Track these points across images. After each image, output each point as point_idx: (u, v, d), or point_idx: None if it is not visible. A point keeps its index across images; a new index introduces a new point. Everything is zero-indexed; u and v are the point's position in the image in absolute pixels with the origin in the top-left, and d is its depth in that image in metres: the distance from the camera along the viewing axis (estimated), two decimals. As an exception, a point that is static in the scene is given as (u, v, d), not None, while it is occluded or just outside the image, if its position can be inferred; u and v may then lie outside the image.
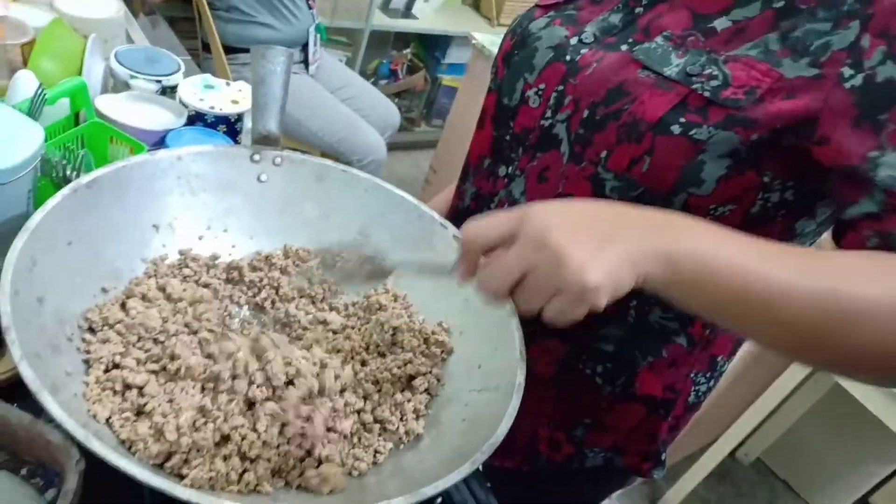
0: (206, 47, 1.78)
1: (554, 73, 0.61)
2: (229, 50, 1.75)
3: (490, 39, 1.94)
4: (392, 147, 2.23)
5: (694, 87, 0.53)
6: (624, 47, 0.58)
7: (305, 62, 1.87)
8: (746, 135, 0.52)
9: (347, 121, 1.84)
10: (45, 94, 0.62)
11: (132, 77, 0.78)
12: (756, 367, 1.62)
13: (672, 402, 0.70)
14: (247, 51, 1.76)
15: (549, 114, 0.61)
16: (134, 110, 0.74)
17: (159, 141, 0.73)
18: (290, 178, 0.63)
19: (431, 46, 2.78)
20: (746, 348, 1.15)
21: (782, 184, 0.54)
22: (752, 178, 0.54)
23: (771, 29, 0.53)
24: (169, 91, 0.81)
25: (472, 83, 2.02)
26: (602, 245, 0.43)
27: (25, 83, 0.66)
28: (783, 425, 2.06)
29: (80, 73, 0.74)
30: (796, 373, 1.55)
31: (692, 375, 0.70)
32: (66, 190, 0.50)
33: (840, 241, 0.52)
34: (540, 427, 0.71)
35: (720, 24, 0.55)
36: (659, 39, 0.57)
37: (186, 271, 0.57)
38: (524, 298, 0.44)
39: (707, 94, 0.52)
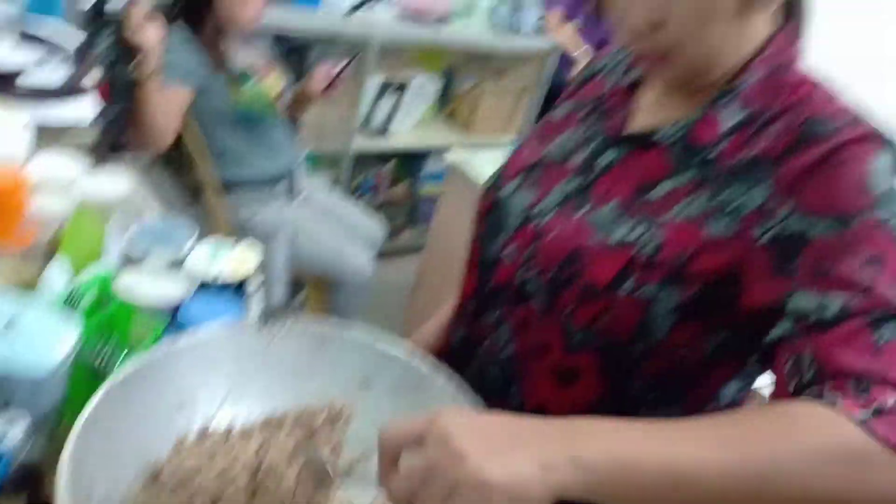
0: (199, 189, 1.89)
1: (525, 236, 0.71)
2: (222, 188, 1.86)
3: (462, 158, 2.08)
4: (379, 255, 2.32)
5: (635, 250, 0.62)
6: (580, 213, 0.68)
7: (294, 192, 1.98)
8: (685, 291, 0.61)
9: (335, 245, 1.93)
10: (80, 290, 0.70)
11: (148, 254, 0.87)
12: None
13: None
14: (238, 189, 1.88)
15: (521, 272, 0.70)
16: (150, 285, 0.82)
17: (174, 311, 0.81)
18: (296, 345, 0.71)
19: (411, 159, 2.94)
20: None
21: (725, 329, 0.63)
22: (698, 328, 0.63)
23: (697, 194, 0.63)
24: (180, 261, 0.89)
25: (449, 196, 2.15)
26: (505, 450, 0.44)
27: (57, 275, 0.75)
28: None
29: (100, 255, 0.83)
30: None
31: None
32: (101, 393, 0.56)
33: (771, 367, 0.59)
34: None
35: (658, 191, 0.65)
36: (608, 207, 0.66)
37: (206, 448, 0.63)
38: (426, 499, 0.44)
39: (647, 255, 0.62)
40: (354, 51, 2.11)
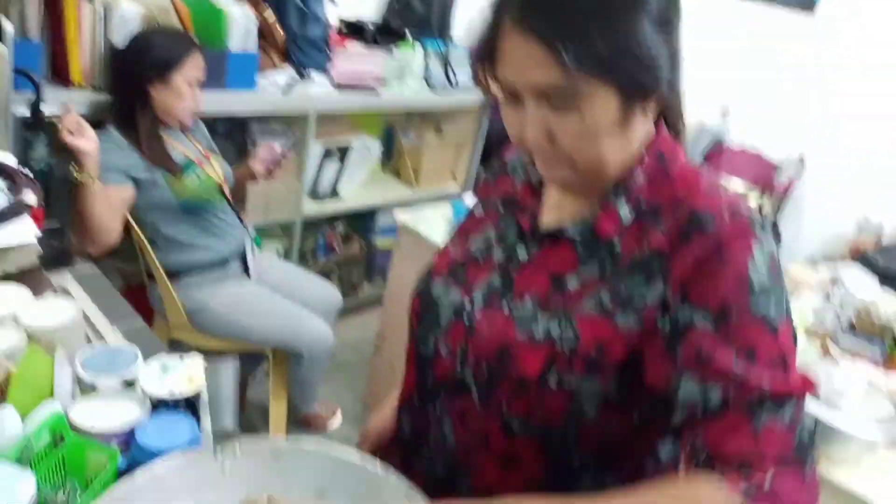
0: (151, 276, 1.91)
1: (457, 332, 0.76)
2: (173, 274, 1.88)
3: (411, 217, 2.14)
4: (341, 313, 2.34)
5: (556, 346, 0.68)
6: (505, 309, 0.73)
7: (246, 271, 2.01)
8: (605, 380, 0.67)
9: (292, 317, 1.96)
10: (31, 440, 0.72)
11: (96, 380, 0.89)
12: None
13: None
14: (190, 273, 1.89)
15: (458, 366, 0.75)
16: (103, 412, 0.84)
17: (129, 437, 0.83)
18: (251, 464, 0.74)
19: (362, 215, 2.99)
20: None
21: (645, 404, 0.68)
22: (621, 408, 0.68)
23: (603, 287, 0.69)
24: (131, 383, 0.91)
25: (402, 251, 2.19)
26: None
27: (7, 422, 0.76)
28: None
29: (51, 392, 0.85)
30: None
31: None
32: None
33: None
34: None
35: (571, 284, 0.71)
36: (528, 302, 0.72)
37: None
38: None
39: (567, 349, 0.67)
40: (292, 124, 2.16)
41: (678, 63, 0.66)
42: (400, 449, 0.84)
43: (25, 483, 0.66)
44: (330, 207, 2.75)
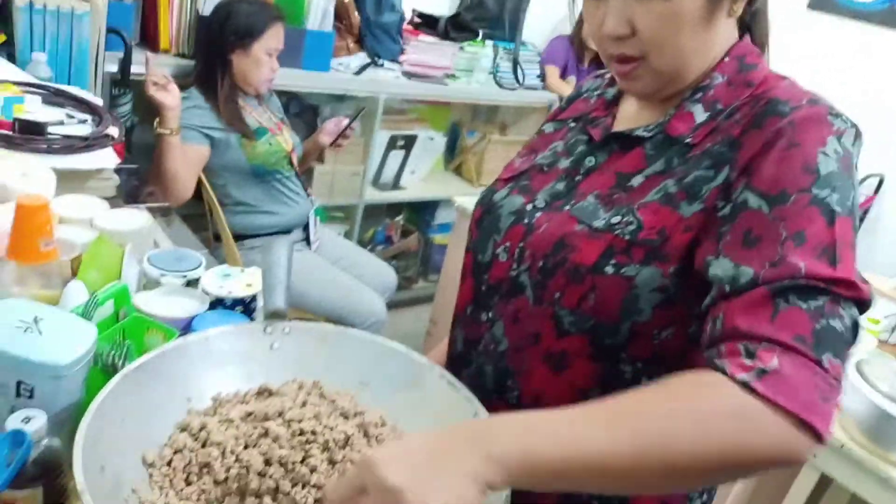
0: (217, 237, 1.98)
1: (516, 234, 0.75)
2: (239, 237, 1.94)
3: (470, 201, 2.14)
4: (394, 305, 2.37)
5: (616, 233, 0.66)
6: (567, 207, 0.72)
7: (307, 240, 2.05)
8: (665, 268, 0.64)
9: (348, 288, 1.99)
10: (97, 300, 0.75)
11: (162, 275, 0.93)
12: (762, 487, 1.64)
13: None
14: (254, 237, 1.95)
15: (514, 266, 0.74)
16: (165, 302, 0.88)
17: (187, 325, 0.86)
18: (299, 344, 0.75)
19: (421, 210, 3.02)
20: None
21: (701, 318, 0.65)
22: (678, 312, 0.66)
23: (668, 179, 0.67)
24: (193, 283, 0.95)
25: (459, 239, 2.19)
26: (437, 472, 0.48)
27: (76, 292, 0.80)
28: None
29: (119, 277, 0.89)
30: (802, 489, 1.57)
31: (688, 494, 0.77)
32: (118, 377, 0.61)
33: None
34: None
35: (636, 181, 0.70)
36: (590, 198, 0.71)
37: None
38: None
39: (627, 237, 0.66)
40: (361, 107, 2.22)
41: None
42: (452, 365, 0.84)
43: (88, 332, 0.69)
44: (392, 196, 2.80)
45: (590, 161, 0.75)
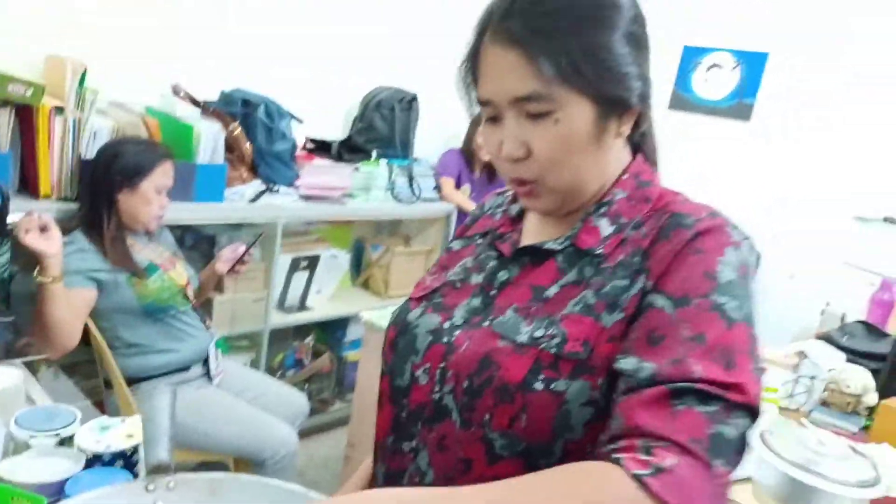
0: (108, 384, 1.85)
1: (435, 354, 0.74)
2: (133, 381, 1.83)
3: (379, 314, 2.14)
4: (310, 431, 2.26)
5: (542, 347, 0.66)
6: (486, 324, 0.72)
7: (209, 375, 1.96)
8: (593, 380, 0.64)
9: (255, 422, 1.89)
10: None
11: (31, 437, 0.85)
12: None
13: None
14: (150, 378, 1.85)
15: (437, 388, 0.72)
16: (34, 466, 0.80)
17: (60, 489, 0.78)
18: (185, 499, 0.70)
19: (331, 329, 2.97)
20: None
21: None
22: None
23: (585, 290, 0.69)
24: (68, 441, 0.87)
25: (370, 354, 2.17)
26: None
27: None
28: None
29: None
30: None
31: None
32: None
33: None
34: None
35: (551, 291, 0.71)
36: (509, 312, 0.71)
37: None
38: None
39: (553, 350, 0.66)
40: (259, 232, 2.21)
41: (649, 87, 0.71)
42: None
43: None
44: (299, 318, 2.74)
45: (503, 275, 0.76)
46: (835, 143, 3.13)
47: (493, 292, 0.76)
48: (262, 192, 2.42)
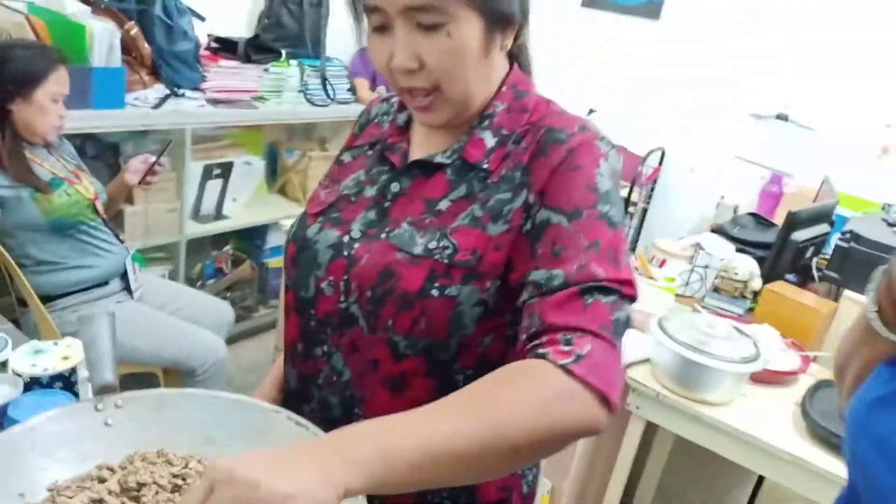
0: (23, 302, 1.80)
1: (338, 267, 0.78)
2: (48, 298, 1.79)
3: (298, 223, 2.14)
4: (237, 338, 2.28)
5: (436, 258, 0.73)
6: (383, 236, 0.77)
7: (129, 290, 1.94)
8: (482, 284, 0.72)
9: (181, 333, 1.91)
10: None
11: (-38, 365, 0.85)
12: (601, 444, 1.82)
13: (509, 499, 0.85)
14: (67, 295, 1.81)
15: (342, 299, 0.78)
16: (-30, 396, 0.81)
17: (2, 413, 0.80)
18: (134, 415, 0.73)
19: (250, 237, 2.95)
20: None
21: (516, 320, 0.73)
22: (499, 318, 0.74)
23: (473, 203, 0.75)
24: (1, 366, 0.88)
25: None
26: (288, 467, 0.49)
27: None
28: (653, 482, 2.26)
29: None
30: (633, 437, 1.76)
31: (519, 472, 0.85)
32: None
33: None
34: None
35: (443, 205, 0.76)
36: (405, 225, 0.76)
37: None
38: None
39: (446, 261, 0.72)
40: (168, 140, 2.13)
41: (527, 7, 0.75)
42: (288, 402, 0.85)
43: None
44: (215, 227, 2.70)
45: (395, 187, 0.80)
46: (734, 44, 3.25)
47: (386, 204, 0.80)
48: (167, 97, 2.30)
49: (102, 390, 0.72)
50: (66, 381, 0.88)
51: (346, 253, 0.78)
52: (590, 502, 1.90)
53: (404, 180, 0.80)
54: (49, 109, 1.72)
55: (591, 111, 3.67)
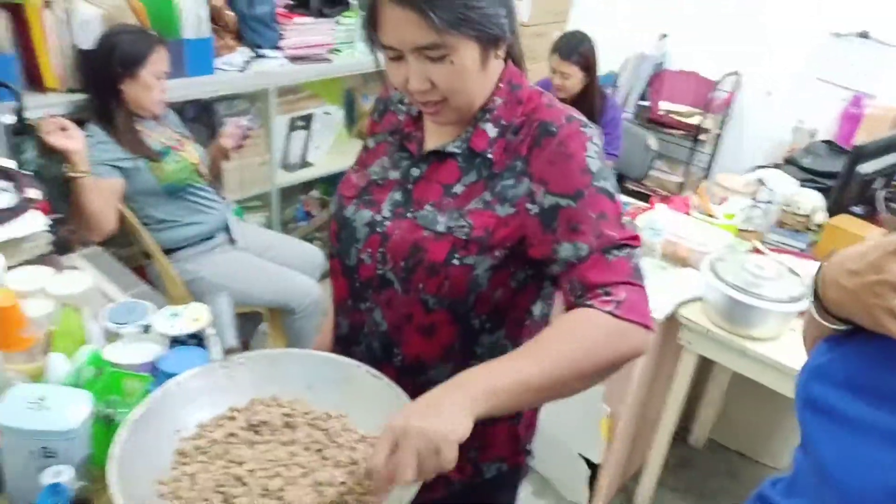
0: (146, 255, 2.11)
1: (374, 242, 0.97)
2: (168, 251, 2.08)
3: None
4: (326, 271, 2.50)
5: (456, 235, 0.90)
6: (409, 215, 0.94)
7: (231, 241, 2.21)
8: (492, 253, 0.91)
9: (279, 276, 2.17)
10: (81, 371, 0.93)
11: (120, 328, 1.10)
12: (657, 375, 1.97)
13: (516, 425, 1.07)
14: (182, 248, 2.10)
15: (380, 267, 0.96)
16: (131, 351, 1.06)
17: (153, 367, 1.05)
18: (252, 370, 0.95)
19: (334, 181, 3.17)
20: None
21: (522, 272, 0.93)
22: (506, 275, 0.93)
23: (484, 189, 0.92)
24: (147, 328, 1.13)
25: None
26: (439, 413, 0.71)
27: (58, 363, 0.98)
28: (715, 404, 2.40)
29: (84, 339, 1.06)
30: (686, 369, 1.90)
31: None
32: (124, 430, 0.81)
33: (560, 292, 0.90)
34: None
35: (458, 189, 0.93)
36: (428, 207, 0.94)
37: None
38: (425, 466, 0.69)
39: (464, 237, 0.90)
40: (255, 100, 2.33)
41: (514, 15, 0.89)
42: (341, 344, 1.07)
43: (85, 398, 0.88)
44: (302, 175, 2.94)
45: (415, 171, 0.97)
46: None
47: (409, 186, 0.96)
48: (251, 60, 2.50)
49: (228, 352, 0.95)
50: (198, 339, 1.12)
51: (379, 230, 0.96)
52: (647, 426, 2.08)
53: (422, 165, 0.97)
54: (153, 86, 1.96)
55: (663, 36, 3.60)
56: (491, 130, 0.92)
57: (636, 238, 0.87)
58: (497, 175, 0.91)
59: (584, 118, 0.91)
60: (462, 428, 0.70)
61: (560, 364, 0.77)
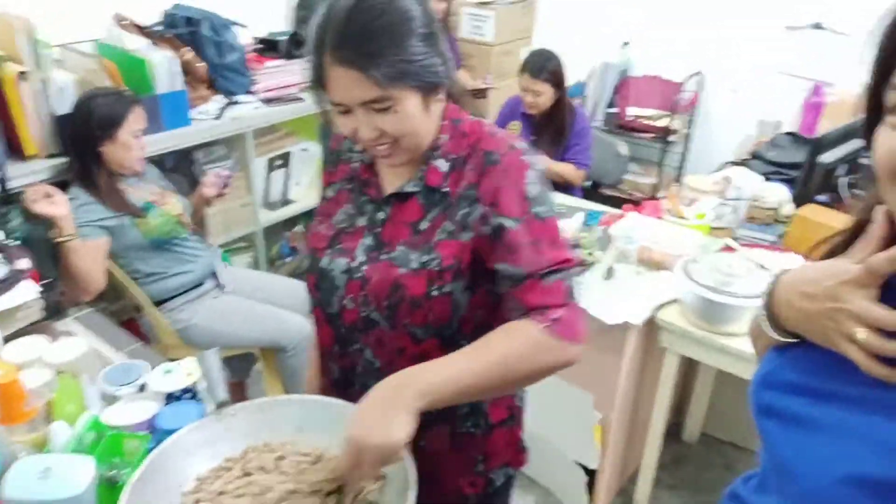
0: (137, 308, 2.16)
1: (354, 287, 1.03)
2: (158, 303, 2.13)
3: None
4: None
5: (430, 268, 0.97)
6: (383, 258, 1.01)
7: (219, 285, 2.26)
8: (465, 277, 0.98)
9: (269, 317, 2.22)
10: (82, 437, 0.99)
11: (117, 390, 1.16)
12: (642, 379, 2.03)
13: (518, 410, 1.15)
14: (172, 298, 2.15)
15: (363, 310, 1.02)
16: (129, 411, 1.11)
17: (151, 424, 1.10)
18: (244, 420, 1.01)
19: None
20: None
21: (492, 290, 0.99)
22: (483, 293, 1.00)
23: (445, 220, 0.99)
24: (143, 387, 1.18)
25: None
26: (387, 421, 0.83)
27: (61, 430, 1.03)
28: (705, 399, 2.46)
29: (84, 405, 1.11)
30: (670, 370, 1.96)
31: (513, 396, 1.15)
32: (127, 489, 0.86)
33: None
34: (459, 477, 1.11)
35: (424, 225, 1.00)
36: (399, 248, 1.00)
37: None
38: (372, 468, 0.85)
39: (437, 269, 0.97)
40: (232, 144, 2.38)
41: (448, 60, 0.95)
42: (337, 388, 1.12)
43: (88, 464, 0.94)
44: (285, 213, 3.00)
45: (380, 215, 1.03)
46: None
47: (378, 229, 1.02)
48: (225, 107, 2.56)
49: (220, 406, 1.01)
50: (192, 392, 1.17)
51: (357, 275, 1.02)
52: (639, 428, 2.14)
53: (386, 208, 1.03)
54: (132, 145, 2.02)
55: (625, 43, 3.70)
56: (443, 166, 0.99)
57: (569, 260, 0.95)
58: (454, 205, 0.98)
59: (525, 145, 0.99)
60: (409, 428, 0.83)
61: (491, 368, 0.89)
